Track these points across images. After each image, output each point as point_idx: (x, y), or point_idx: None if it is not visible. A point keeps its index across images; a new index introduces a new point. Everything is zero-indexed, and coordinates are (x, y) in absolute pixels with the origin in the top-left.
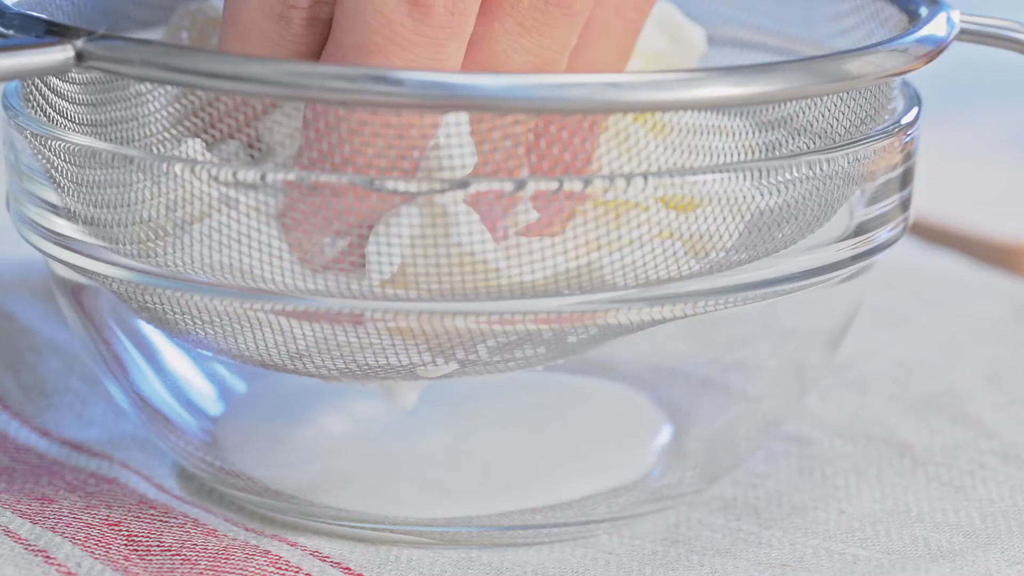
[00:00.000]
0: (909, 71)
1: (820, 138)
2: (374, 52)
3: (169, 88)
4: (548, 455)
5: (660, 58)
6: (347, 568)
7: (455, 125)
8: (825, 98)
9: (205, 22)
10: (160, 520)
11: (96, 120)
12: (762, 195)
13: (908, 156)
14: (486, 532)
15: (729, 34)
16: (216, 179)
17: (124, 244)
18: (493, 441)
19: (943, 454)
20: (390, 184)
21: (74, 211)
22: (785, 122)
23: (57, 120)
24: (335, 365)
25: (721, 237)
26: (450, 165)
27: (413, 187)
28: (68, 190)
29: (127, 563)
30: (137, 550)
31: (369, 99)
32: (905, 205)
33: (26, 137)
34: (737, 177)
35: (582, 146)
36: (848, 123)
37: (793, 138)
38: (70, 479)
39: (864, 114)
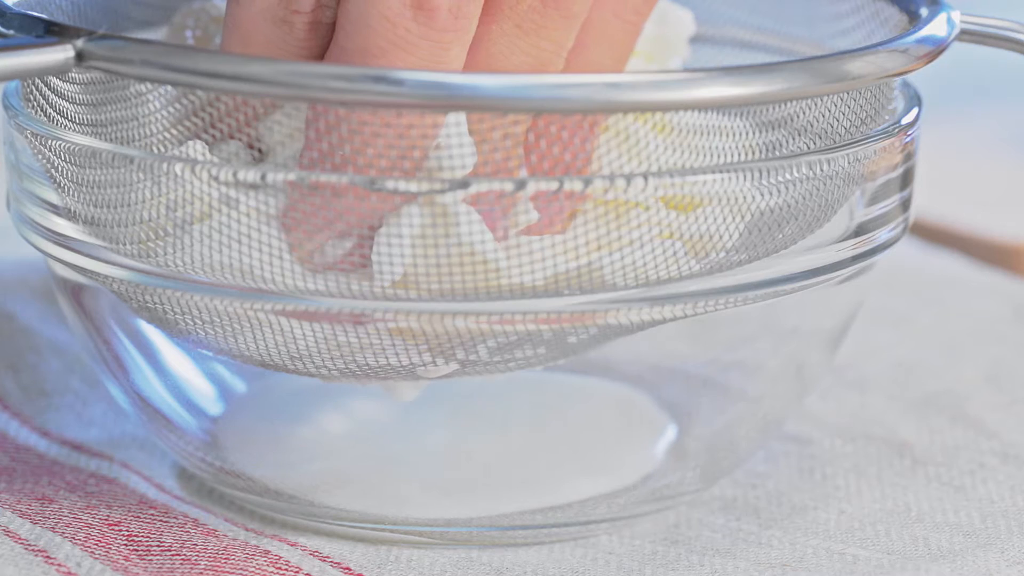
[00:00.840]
0: (909, 71)
1: (820, 138)
2: (378, 56)
3: (169, 88)
4: (548, 455)
5: (649, 41)
6: (347, 568)
7: (455, 125)
8: (825, 98)
9: (209, 21)
10: (160, 520)
11: (96, 120)
12: (763, 195)
13: (908, 156)
14: (486, 532)
15: (729, 34)
16: (216, 179)
17: (124, 244)
18: (493, 441)
19: (943, 454)
20: (391, 184)
21: (74, 211)
22: (785, 122)
23: (57, 120)
24: (335, 365)
25: (722, 237)
26: (450, 165)
27: (414, 187)
28: (68, 190)
29: (127, 563)
30: (137, 550)
31: (369, 99)
32: (905, 205)
33: (26, 137)
34: (738, 177)
35: (582, 146)
36: (848, 123)
37: (793, 138)
38: (70, 479)
39: (864, 114)
